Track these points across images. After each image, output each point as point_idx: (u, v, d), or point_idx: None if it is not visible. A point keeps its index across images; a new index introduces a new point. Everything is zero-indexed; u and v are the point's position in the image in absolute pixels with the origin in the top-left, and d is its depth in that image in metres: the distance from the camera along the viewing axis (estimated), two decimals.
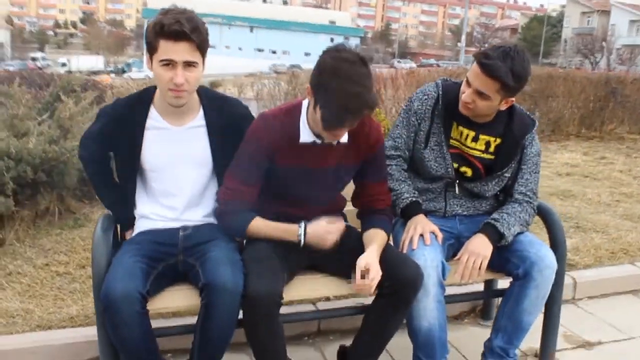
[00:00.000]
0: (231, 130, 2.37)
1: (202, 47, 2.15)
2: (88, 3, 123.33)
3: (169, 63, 2.13)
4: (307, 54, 65.23)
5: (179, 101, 2.22)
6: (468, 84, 2.47)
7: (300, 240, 2.32)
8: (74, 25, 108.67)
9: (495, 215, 2.58)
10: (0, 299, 3.17)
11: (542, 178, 6.20)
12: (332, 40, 66.04)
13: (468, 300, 3.31)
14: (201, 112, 2.37)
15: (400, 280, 2.27)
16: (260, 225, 2.35)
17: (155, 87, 2.31)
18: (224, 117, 2.38)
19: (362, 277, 2.19)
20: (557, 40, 58.52)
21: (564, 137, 9.47)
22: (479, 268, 2.45)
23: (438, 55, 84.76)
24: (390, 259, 2.32)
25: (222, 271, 2.10)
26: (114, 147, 2.38)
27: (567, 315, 3.22)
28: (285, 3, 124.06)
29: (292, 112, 2.34)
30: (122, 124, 2.31)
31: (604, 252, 4.10)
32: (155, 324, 2.17)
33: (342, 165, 2.40)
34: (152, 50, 2.15)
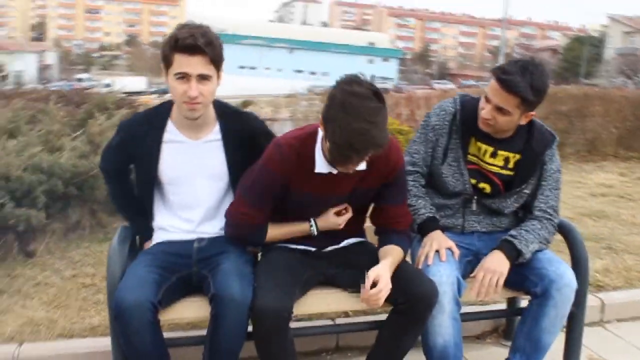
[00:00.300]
0: (247, 144, 2.40)
1: (216, 60, 2.19)
2: (132, 26, 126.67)
3: (183, 76, 2.17)
4: None
5: (194, 114, 2.25)
6: (487, 100, 2.44)
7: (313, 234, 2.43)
8: (119, 48, 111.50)
9: (513, 232, 2.53)
10: (26, 308, 3.25)
11: (576, 199, 6.10)
12: (371, 61, 66.29)
13: (489, 318, 3.24)
14: (217, 125, 2.40)
15: (415, 296, 2.25)
16: (275, 233, 2.40)
17: (172, 101, 2.35)
18: (240, 131, 2.41)
19: (372, 288, 2.17)
20: (599, 60, 57.42)
21: (600, 158, 9.24)
22: (496, 285, 2.40)
23: (477, 76, 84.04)
24: (406, 274, 2.31)
25: (231, 283, 2.12)
26: (133, 159, 2.43)
27: (594, 338, 3.14)
28: (324, 25, 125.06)
29: (307, 141, 2.28)
30: (140, 137, 2.35)
31: (635, 273, 3.97)
32: (171, 334, 2.18)
33: (360, 189, 2.37)
34: (167, 63, 2.20)
